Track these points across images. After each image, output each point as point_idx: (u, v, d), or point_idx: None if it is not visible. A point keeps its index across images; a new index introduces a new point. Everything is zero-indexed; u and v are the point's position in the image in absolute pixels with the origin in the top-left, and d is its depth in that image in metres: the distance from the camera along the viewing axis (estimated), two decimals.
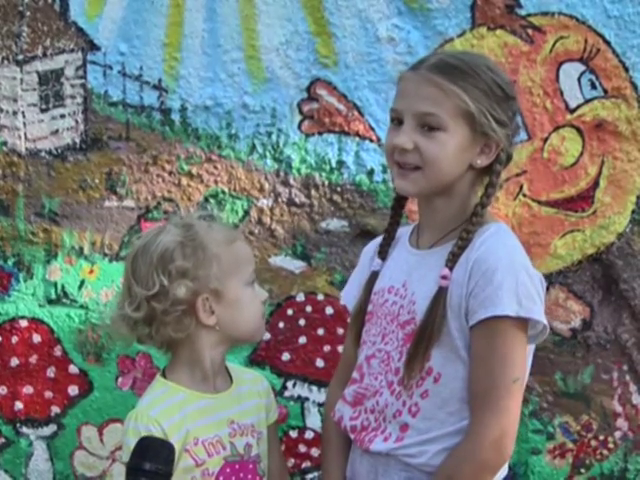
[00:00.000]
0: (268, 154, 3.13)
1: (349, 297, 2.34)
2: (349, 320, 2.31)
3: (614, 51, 3.00)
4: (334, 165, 3.12)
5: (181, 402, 2.18)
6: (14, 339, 3.24)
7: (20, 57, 3.16)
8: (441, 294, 2.05)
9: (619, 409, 3.13)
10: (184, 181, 3.16)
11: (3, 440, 3.28)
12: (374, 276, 2.25)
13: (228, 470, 2.19)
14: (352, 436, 2.18)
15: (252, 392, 2.31)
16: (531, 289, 2.03)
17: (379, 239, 2.34)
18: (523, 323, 2.02)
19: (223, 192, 3.15)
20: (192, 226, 2.22)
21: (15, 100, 3.18)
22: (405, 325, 2.11)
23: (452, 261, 2.06)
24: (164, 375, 2.24)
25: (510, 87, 2.12)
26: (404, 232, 2.29)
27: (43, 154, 3.19)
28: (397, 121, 2.10)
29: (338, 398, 2.27)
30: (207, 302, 2.17)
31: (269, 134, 3.12)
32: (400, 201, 2.29)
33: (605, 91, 3.02)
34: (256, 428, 2.26)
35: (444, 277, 2.05)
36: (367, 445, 2.13)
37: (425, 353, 2.04)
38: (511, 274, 2.00)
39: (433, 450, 2.06)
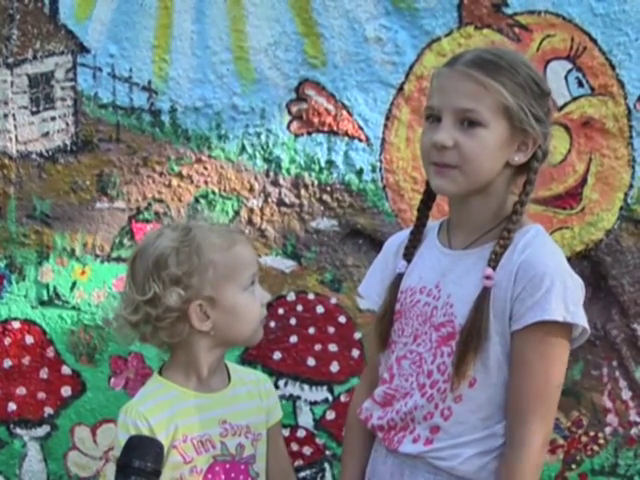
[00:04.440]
0: (258, 154, 3.14)
1: (370, 292, 2.28)
2: (374, 322, 2.23)
3: (600, 49, 3.01)
4: (323, 165, 3.13)
5: (172, 399, 2.19)
6: (7, 341, 3.24)
7: (10, 60, 3.17)
8: (485, 295, 2.00)
9: (609, 405, 3.14)
10: (174, 182, 3.17)
11: None
12: (400, 278, 2.19)
13: (217, 469, 2.19)
14: (379, 435, 2.15)
15: (252, 393, 2.29)
16: (576, 294, 2.02)
17: (402, 235, 2.27)
18: (568, 328, 2.00)
19: (213, 193, 3.16)
20: (190, 230, 2.19)
21: (6, 103, 3.18)
22: (440, 327, 2.06)
23: (495, 261, 2.01)
24: (161, 373, 2.25)
25: (545, 83, 2.08)
26: (430, 229, 2.23)
27: (34, 156, 3.20)
28: (433, 118, 2.04)
29: (363, 401, 2.23)
30: (201, 308, 2.16)
31: (258, 134, 3.13)
32: (427, 202, 2.21)
33: (592, 89, 3.03)
34: (252, 429, 2.25)
35: (488, 277, 2.00)
36: (395, 445, 2.10)
37: (475, 357, 2.00)
38: (559, 279, 1.98)
39: (465, 455, 2.03)
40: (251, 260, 2.24)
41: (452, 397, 2.04)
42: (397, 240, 2.28)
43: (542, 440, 2.00)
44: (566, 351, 2.02)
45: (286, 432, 3.13)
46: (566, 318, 1.97)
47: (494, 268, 2.01)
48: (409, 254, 2.19)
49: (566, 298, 1.98)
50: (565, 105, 3.04)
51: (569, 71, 3.03)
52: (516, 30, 3.02)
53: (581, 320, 2.00)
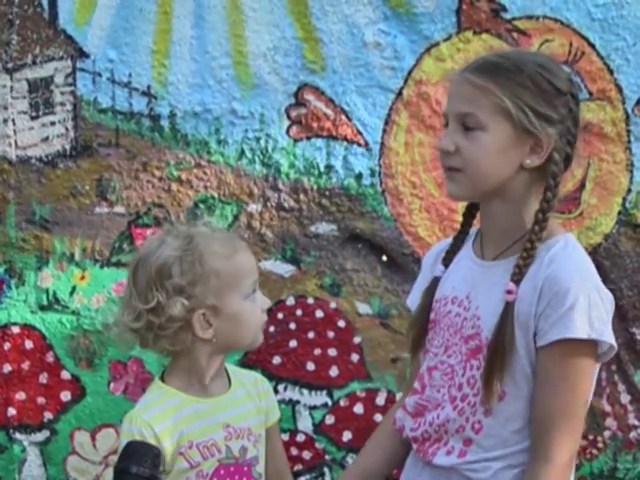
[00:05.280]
0: (257, 159, 3.15)
1: (413, 304, 2.25)
2: (407, 329, 2.23)
3: (598, 54, 3.03)
4: (322, 169, 3.13)
5: (176, 406, 2.19)
6: (6, 346, 3.24)
7: (10, 65, 3.17)
8: (508, 311, 1.97)
9: (608, 409, 3.14)
10: (174, 187, 3.18)
11: None
12: (436, 282, 2.16)
13: (222, 472, 2.20)
14: (414, 446, 2.13)
15: (251, 395, 2.30)
16: (602, 310, 1.96)
17: (442, 244, 2.25)
18: (593, 345, 1.96)
19: (213, 197, 3.17)
20: (193, 238, 2.18)
21: (5, 108, 3.19)
22: (469, 340, 2.04)
23: (518, 275, 1.97)
24: (162, 379, 2.25)
25: (565, 83, 2.00)
26: (469, 237, 2.19)
27: (33, 161, 3.20)
28: (446, 124, 2.04)
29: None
30: (204, 317, 2.16)
31: (258, 139, 3.14)
32: (471, 209, 2.16)
33: (590, 93, 3.04)
34: (253, 431, 2.26)
35: (510, 292, 1.97)
36: (430, 457, 2.08)
37: (502, 371, 1.97)
38: (583, 295, 1.93)
39: (497, 467, 2.01)
40: (252, 268, 2.24)
41: (482, 411, 2.02)
42: (436, 250, 2.26)
43: (568, 456, 1.96)
44: (592, 368, 1.98)
45: (285, 437, 3.13)
46: (591, 335, 1.93)
47: (517, 282, 1.97)
48: (448, 259, 2.17)
49: (591, 314, 1.93)
50: None
51: None
52: (515, 35, 3.03)
53: (607, 337, 1.95)
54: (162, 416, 2.16)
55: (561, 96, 1.99)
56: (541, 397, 1.97)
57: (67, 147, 3.19)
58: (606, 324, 1.96)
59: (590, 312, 1.93)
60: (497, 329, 1.97)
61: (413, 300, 2.25)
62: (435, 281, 2.16)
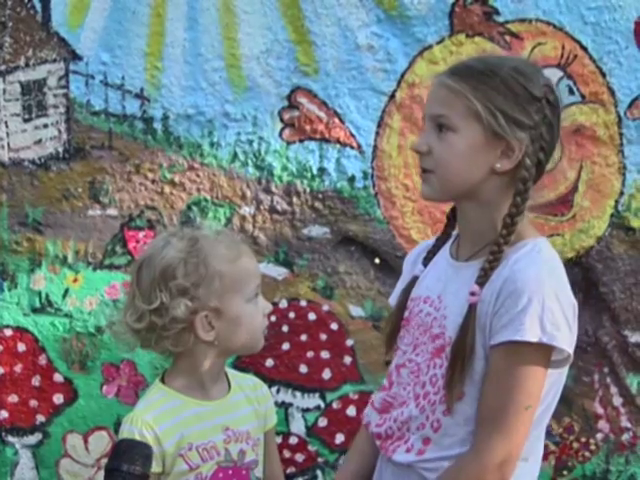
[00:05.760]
0: (250, 162, 3.15)
1: (394, 301, 2.27)
2: (383, 326, 2.27)
3: (591, 57, 3.03)
4: (315, 172, 3.14)
5: (177, 408, 2.19)
6: None
7: (2, 67, 3.17)
8: (471, 312, 1.97)
9: (600, 411, 3.15)
10: (167, 189, 3.18)
11: None
12: (414, 281, 2.18)
13: (221, 475, 2.20)
14: (378, 443, 2.15)
15: (250, 399, 2.30)
16: (558, 315, 1.93)
17: (423, 245, 2.26)
18: (545, 349, 1.93)
19: (205, 200, 3.17)
20: (198, 240, 2.19)
21: None
22: (435, 339, 2.05)
23: (483, 277, 1.97)
24: (163, 380, 2.26)
25: (540, 88, 1.98)
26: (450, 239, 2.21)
27: (26, 164, 3.20)
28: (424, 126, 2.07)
29: None
30: (206, 319, 2.17)
31: (250, 142, 3.14)
32: (454, 211, 2.17)
33: (583, 96, 3.05)
34: (252, 435, 2.26)
35: (472, 294, 1.97)
36: (390, 454, 2.10)
37: (462, 372, 1.97)
38: (538, 298, 1.91)
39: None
40: (256, 271, 2.25)
41: (441, 409, 2.02)
42: (417, 249, 2.28)
43: (499, 458, 1.95)
44: (541, 372, 1.95)
45: (278, 439, 3.13)
46: (542, 339, 1.90)
47: (482, 284, 1.97)
48: (428, 259, 2.19)
49: (543, 318, 1.91)
50: None
51: (560, 79, 3.04)
52: (507, 38, 3.03)
53: (560, 342, 1.92)
54: (163, 417, 2.17)
55: (535, 102, 1.98)
56: (486, 395, 1.97)
57: (60, 149, 3.19)
58: (560, 329, 1.93)
59: (543, 316, 1.91)
60: (460, 330, 1.99)
61: (393, 298, 2.28)
62: (413, 280, 2.18)
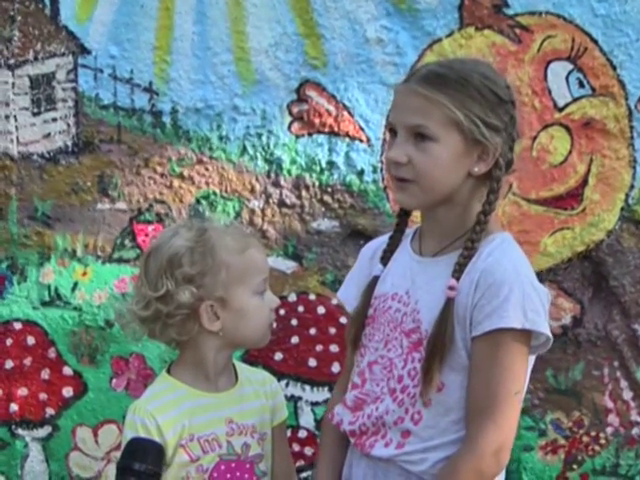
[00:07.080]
0: (259, 155, 3.15)
1: (348, 297, 2.30)
2: (347, 325, 2.27)
3: (601, 50, 3.02)
4: (324, 166, 3.13)
5: (180, 398, 2.20)
6: (8, 341, 3.25)
7: (12, 61, 3.17)
8: (449, 306, 2.02)
9: (610, 405, 3.14)
10: (176, 183, 3.18)
11: None
12: (375, 281, 2.21)
13: (223, 467, 2.20)
14: (352, 440, 2.17)
15: (258, 393, 2.30)
16: (536, 302, 2.00)
17: (377, 241, 2.30)
18: (527, 335, 2.00)
19: (214, 194, 3.17)
20: (206, 230, 2.20)
21: (7, 104, 3.19)
22: (410, 334, 2.09)
23: (459, 271, 2.03)
24: (169, 371, 2.26)
25: (505, 91, 2.06)
26: (406, 236, 2.24)
27: (35, 157, 3.20)
28: (393, 133, 2.09)
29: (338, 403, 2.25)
30: (212, 308, 2.17)
31: (259, 136, 3.14)
32: (404, 210, 2.23)
33: (593, 89, 3.04)
34: (257, 429, 2.26)
35: (451, 288, 2.02)
36: (368, 450, 2.12)
37: (441, 363, 2.02)
38: (518, 287, 1.98)
39: (434, 458, 2.05)
40: (263, 265, 2.26)
41: (422, 402, 2.05)
42: (373, 246, 2.31)
43: (494, 446, 1.99)
44: (525, 358, 2.02)
45: (288, 432, 3.12)
46: (525, 325, 1.97)
47: (458, 279, 2.03)
48: (386, 258, 2.21)
49: (525, 306, 1.97)
50: (566, 106, 3.05)
51: (570, 72, 3.03)
52: (517, 31, 3.02)
53: (541, 327, 1.99)
54: (165, 407, 2.17)
55: (503, 104, 2.05)
56: (472, 385, 2.01)
57: (69, 143, 3.19)
58: (540, 315, 2.00)
59: (524, 303, 1.98)
60: (437, 323, 2.02)
61: (346, 292, 2.29)
62: (374, 280, 2.20)
